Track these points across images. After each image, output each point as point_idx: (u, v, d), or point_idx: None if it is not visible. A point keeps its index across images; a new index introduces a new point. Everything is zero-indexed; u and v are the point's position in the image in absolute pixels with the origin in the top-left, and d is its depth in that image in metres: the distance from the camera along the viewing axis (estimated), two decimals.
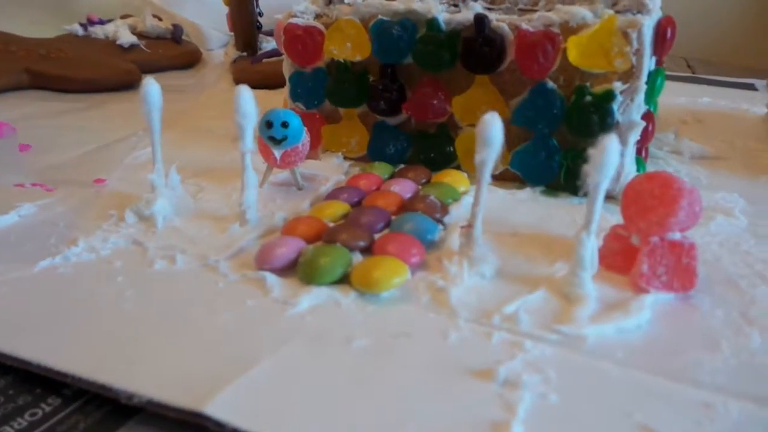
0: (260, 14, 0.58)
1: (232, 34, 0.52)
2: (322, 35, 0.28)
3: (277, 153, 0.24)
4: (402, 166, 0.28)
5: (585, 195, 0.25)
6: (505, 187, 0.27)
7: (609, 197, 0.26)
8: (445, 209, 0.23)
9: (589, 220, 0.17)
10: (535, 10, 0.25)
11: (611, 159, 0.16)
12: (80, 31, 0.52)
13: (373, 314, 0.17)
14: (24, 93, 0.41)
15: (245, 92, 0.20)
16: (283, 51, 0.29)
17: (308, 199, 0.24)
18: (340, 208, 0.22)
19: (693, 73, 0.71)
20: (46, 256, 0.19)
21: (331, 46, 0.27)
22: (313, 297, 0.18)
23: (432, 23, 0.26)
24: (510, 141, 0.26)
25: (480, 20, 0.25)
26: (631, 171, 0.26)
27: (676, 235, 0.19)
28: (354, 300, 0.18)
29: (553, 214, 0.24)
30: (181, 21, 0.62)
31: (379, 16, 0.27)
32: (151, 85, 0.21)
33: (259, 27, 0.53)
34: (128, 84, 0.44)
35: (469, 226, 0.19)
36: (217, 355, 0.16)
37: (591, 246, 0.18)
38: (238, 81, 0.48)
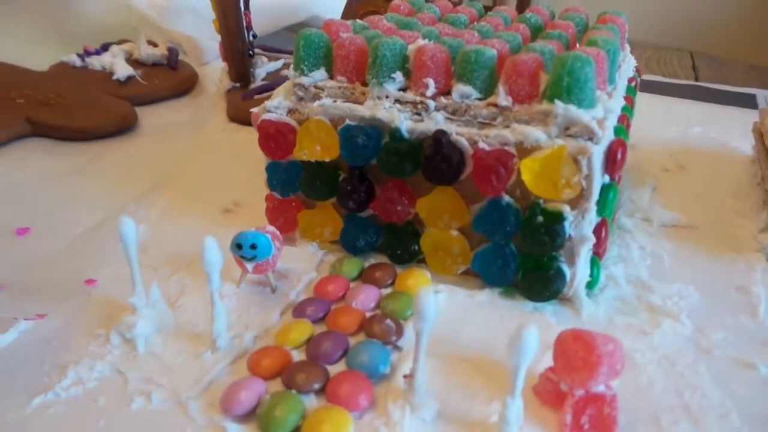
0: (254, 36, 0.58)
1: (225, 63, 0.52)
2: (294, 132, 0.29)
3: (249, 266, 0.26)
4: (371, 262, 0.29)
5: (542, 300, 0.27)
6: (467, 286, 0.28)
7: (563, 299, 0.27)
8: (400, 331, 0.25)
9: (514, 386, 0.19)
10: (494, 125, 0.26)
11: (529, 346, 0.18)
12: (77, 62, 0.53)
13: None
14: (26, 144, 0.43)
15: (210, 243, 0.22)
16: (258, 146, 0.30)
17: (279, 308, 0.26)
18: (303, 332, 0.24)
19: (696, 76, 0.70)
20: (40, 389, 0.22)
21: (301, 151, 0.28)
22: None
23: (395, 132, 0.27)
24: (472, 241, 0.28)
25: (438, 140, 0.26)
26: (583, 277, 0.27)
27: (600, 387, 0.20)
28: None
29: (506, 325, 0.26)
30: (177, 36, 0.63)
31: (347, 121, 0.28)
32: (126, 225, 0.23)
33: (252, 54, 0.54)
34: (125, 128, 0.46)
35: (410, 376, 0.21)
36: None
37: (516, 407, 0.19)
38: (232, 118, 0.49)
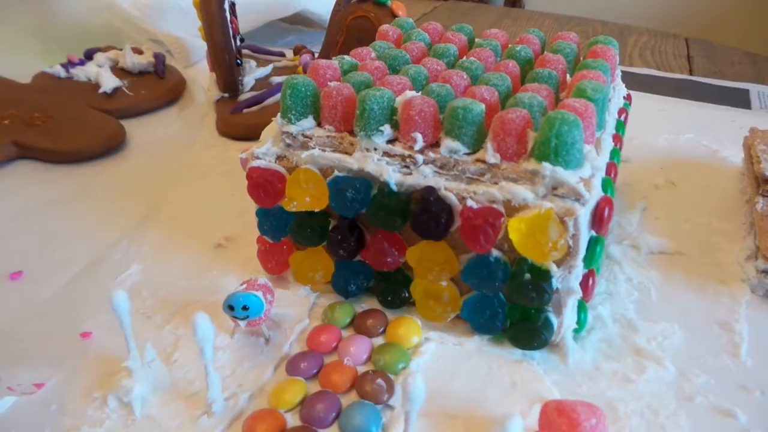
0: (242, 40, 0.57)
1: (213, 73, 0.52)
2: (283, 180, 0.29)
3: (242, 324, 0.26)
4: (363, 307, 0.30)
5: (530, 349, 0.27)
6: (457, 332, 0.29)
7: (551, 345, 0.28)
8: (391, 389, 0.25)
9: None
10: (482, 181, 0.26)
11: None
12: (62, 73, 0.53)
13: None
14: (13, 168, 0.43)
15: (201, 321, 0.22)
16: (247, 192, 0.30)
17: (272, 363, 0.27)
18: (297, 392, 0.25)
19: (690, 68, 0.69)
20: None
21: (290, 202, 0.29)
22: None
23: (384, 186, 0.27)
24: (462, 288, 0.28)
25: (425, 199, 0.26)
26: (570, 324, 0.28)
27: None
28: None
29: (494, 375, 0.27)
30: (163, 36, 0.62)
31: (336, 173, 0.28)
32: (118, 298, 0.23)
33: (240, 63, 0.53)
34: (114, 148, 0.46)
35: None
36: None
37: None
38: (221, 132, 0.49)
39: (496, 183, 0.26)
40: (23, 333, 0.29)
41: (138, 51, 0.55)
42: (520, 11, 0.96)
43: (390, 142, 0.28)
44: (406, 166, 0.27)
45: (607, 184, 0.27)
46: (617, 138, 0.32)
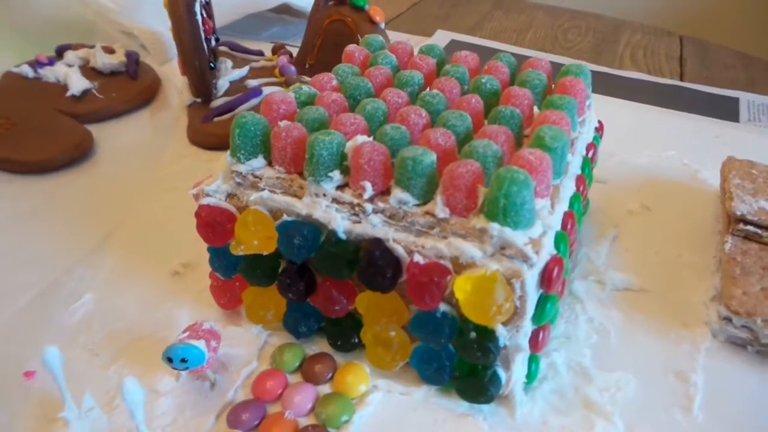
0: (217, 40, 0.55)
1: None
2: (233, 221, 0.28)
3: (182, 374, 0.26)
4: (313, 349, 0.30)
5: (477, 403, 0.27)
6: (405, 381, 0.28)
7: (500, 398, 0.28)
8: None
9: None
10: (431, 234, 0.25)
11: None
12: (30, 73, 0.51)
13: None
14: None
15: (130, 385, 0.22)
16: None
17: (215, 410, 0.27)
18: None
19: (681, 72, 0.67)
20: None
21: (238, 246, 0.28)
22: None
23: (332, 234, 0.26)
24: (412, 335, 0.28)
25: (371, 252, 0.25)
26: (519, 377, 0.27)
27: None
28: None
29: (439, 429, 0.26)
30: (138, 30, 0.60)
31: (284, 217, 0.27)
32: (50, 354, 0.23)
33: (213, 67, 0.51)
34: (82, 155, 0.45)
35: None
36: None
37: None
38: (192, 141, 0.48)
39: (444, 237, 0.25)
40: None
41: (109, 50, 0.53)
42: (514, 2, 0.93)
43: (340, 187, 0.27)
44: (356, 214, 0.26)
45: (560, 239, 0.26)
46: (581, 180, 0.31)
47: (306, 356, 0.29)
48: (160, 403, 0.27)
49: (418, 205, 0.26)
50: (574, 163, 0.30)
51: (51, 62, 0.52)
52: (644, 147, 0.50)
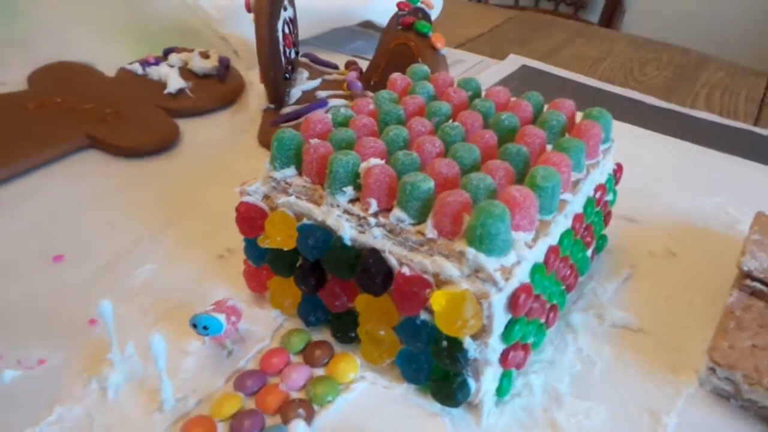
0: (297, 52, 0.62)
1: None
2: (264, 217, 0.33)
3: (206, 339, 0.32)
4: (318, 337, 0.34)
5: (447, 406, 0.30)
6: (390, 377, 0.32)
7: (471, 404, 0.31)
8: (310, 418, 0.29)
9: None
10: (421, 251, 0.29)
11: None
12: (139, 71, 0.60)
13: None
14: (82, 156, 0.51)
15: (155, 340, 0.27)
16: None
17: (226, 374, 0.32)
18: (233, 406, 0.29)
19: (757, 118, 0.65)
20: (31, 422, 0.29)
21: (265, 239, 0.33)
22: None
23: (339, 239, 0.31)
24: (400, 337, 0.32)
25: (366, 260, 0.29)
26: (489, 388, 0.30)
27: None
28: None
29: (407, 423, 0.30)
30: (233, 39, 0.68)
31: (304, 220, 0.32)
32: (104, 307, 0.29)
33: (288, 78, 0.57)
34: (168, 146, 0.52)
35: None
36: None
37: None
38: (260, 143, 0.54)
39: (431, 255, 0.29)
40: (46, 312, 0.35)
41: (205, 55, 0.61)
42: (595, 30, 0.93)
43: (352, 201, 0.31)
44: (361, 225, 0.31)
45: (537, 270, 0.29)
46: (578, 218, 0.33)
47: (310, 342, 0.34)
48: (186, 361, 0.32)
49: (413, 224, 0.29)
50: (576, 202, 0.33)
51: (157, 62, 0.60)
52: (689, 190, 0.50)
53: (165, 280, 0.38)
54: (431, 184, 0.29)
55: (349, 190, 0.31)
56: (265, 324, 0.35)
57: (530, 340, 0.32)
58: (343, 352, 0.33)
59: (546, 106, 0.38)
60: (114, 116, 0.53)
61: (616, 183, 0.38)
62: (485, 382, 0.30)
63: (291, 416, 0.29)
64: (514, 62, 0.75)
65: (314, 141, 0.32)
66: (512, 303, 0.27)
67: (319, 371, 0.32)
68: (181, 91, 0.58)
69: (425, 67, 0.42)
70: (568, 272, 0.34)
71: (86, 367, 0.32)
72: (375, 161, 0.31)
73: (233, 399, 0.30)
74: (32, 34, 0.65)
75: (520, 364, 0.31)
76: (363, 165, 0.30)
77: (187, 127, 0.55)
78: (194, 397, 0.30)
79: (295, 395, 0.31)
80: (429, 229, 0.28)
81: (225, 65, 0.61)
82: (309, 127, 0.34)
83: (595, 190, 0.35)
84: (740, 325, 0.33)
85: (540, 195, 0.29)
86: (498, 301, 0.27)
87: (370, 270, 0.29)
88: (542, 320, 0.32)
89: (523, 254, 0.28)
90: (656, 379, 0.33)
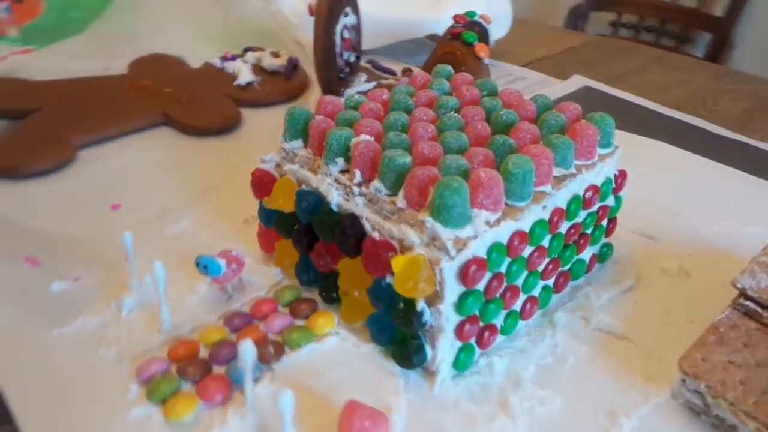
0: (357, 57, 0.66)
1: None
2: (273, 182, 0.38)
3: (208, 279, 0.36)
4: (306, 295, 0.38)
5: (404, 368, 0.32)
6: (360, 337, 0.35)
7: (430, 371, 0.33)
8: (277, 357, 0.33)
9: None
10: (392, 219, 0.32)
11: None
12: (218, 64, 0.68)
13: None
14: (157, 131, 0.59)
15: (158, 267, 0.32)
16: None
17: (221, 312, 0.36)
18: (217, 336, 0.34)
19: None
20: (62, 323, 0.35)
21: (269, 201, 0.37)
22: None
23: (327, 205, 0.34)
24: None
25: (342, 222, 0.32)
26: (445, 357, 0.32)
27: None
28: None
29: (365, 377, 0.32)
30: (306, 42, 0.74)
31: (303, 186, 0.36)
32: (126, 238, 0.34)
33: (342, 78, 0.62)
34: (232, 127, 0.59)
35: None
36: None
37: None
38: None
39: (399, 223, 0.31)
40: (93, 245, 0.42)
41: (276, 54, 0.68)
42: (675, 57, 0.89)
43: (343, 172, 0.34)
44: (347, 194, 0.34)
45: (496, 249, 0.30)
46: (557, 213, 0.34)
47: (299, 297, 0.37)
48: (191, 298, 0.37)
49: (388, 195, 0.32)
50: (558, 196, 0.34)
51: (234, 58, 0.68)
52: (725, 218, 0.48)
53: (193, 234, 0.44)
54: (407, 159, 0.32)
55: (341, 162, 0.34)
56: (265, 278, 0.39)
57: (493, 321, 0.33)
58: (324, 310, 0.36)
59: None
60: (188, 100, 0.61)
61: (617, 189, 0.39)
62: (441, 351, 0.31)
63: (260, 350, 0.33)
64: (576, 82, 0.75)
65: (319, 117, 0.36)
66: (463, 273, 0.29)
67: (300, 322, 0.36)
68: (249, 84, 0.65)
69: (449, 68, 0.45)
70: (549, 267, 0.35)
71: (111, 290, 0.38)
72: (364, 137, 0.34)
73: (219, 331, 0.34)
74: (137, 29, 0.75)
75: (483, 344, 0.33)
76: (354, 140, 0.34)
77: (250, 115, 0.62)
78: (189, 325, 0.35)
79: (272, 337, 0.34)
80: (400, 200, 0.31)
81: (293, 65, 0.68)
82: (321, 107, 0.38)
83: (586, 190, 0.36)
84: (721, 341, 0.32)
85: (509, 180, 0.31)
86: (449, 268, 0.29)
87: (346, 232, 0.32)
88: (511, 306, 0.34)
89: (480, 230, 0.30)
90: (626, 384, 0.33)
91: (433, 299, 0.30)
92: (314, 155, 0.36)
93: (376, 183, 0.32)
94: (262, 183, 0.38)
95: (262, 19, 0.75)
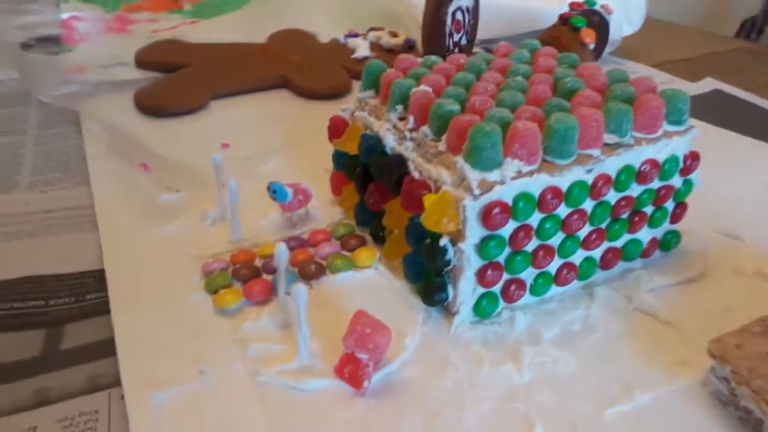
0: (468, 42, 0.68)
1: None
2: (346, 127, 0.42)
3: (277, 205, 0.41)
4: (359, 232, 0.41)
5: (427, 304, 0.34)
6: (395, 273, 0.37)
7: (452, 312, 0.34)
8: (316, 275, 0.36)
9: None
10: (433, 162, 0.34)
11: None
12: (342, 40, 0.74)
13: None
14: (276, 93, 0.66)
15: (232, 184, 0.38)
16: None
17: (283, 234, 0.41)
18: (272, 249, 0.38)
19: None
20: (160, 225, 0.42)
21: (337, 143, 0.41)
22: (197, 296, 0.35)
23: (382, 147, 0.37)
24: None
25: (389, 161, 0.35)
26: (465, 299, 0.33)
27: (362, 355, 0.29)
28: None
29: (389, 308, 0.35)
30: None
31: (366, 131, 0.39)
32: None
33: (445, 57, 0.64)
34: (341, 93, 0.64)
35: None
36: None
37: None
38: None
39: (438, 165, 0.33)
40: (200, 170, 0.49)
41: (394, 34, 0.72)
42: None
43: (402, 119, 0.37)
44: (401, 138, 0.36)
45: (524, 198, 0.31)
46: (605, 178, 0.33)
47: (351, 233, 0.41)
48: (264, 222, 0.42)
49: (434, 140, 0.34)
50: (607, 163, 0.33)
51: (356, 35, 0.74)
52: None
53: (280, 172, 0.49)
54: (455, 108, 0.34)
55: (400, 109, 0.37)
56: (329, 216, 0.43)
57: (521, 276, 0.34)
58: (370, 247, 0.39)
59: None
60: (308, 68, 0.67)
61: (686, 171, 0.36)
62: (462, 292, 0.33)
63: (304, 268, 0.37)
64: (707, 85, 0.70)
65: (390, 70, 0.39)
66: (485, 215, 0.31)
67: (346, 254, 0.39)
68: (365, 58, 0.69)
69: (536, 42, 0.45)
70: (592, 236, 0.35)
71: (202, 205, 0.44)
72: (423, 87, 0.36)
73: (272, 247, 0.39)
74: (285, 8, 0.84)
75: (507, 296, 0.34)
76: (413, 89, 0.36)
77: (358, 85, 0.66)
78: (254, 240, 0.40)
79: (318, 261, 0.38)
80: (442, 143, 0.33)
81: (409, 45, 0.72)
82: (398, 64, 0.41)
83: (643, 163, 0.34)
84: (766, 333, 0.30)
85: (550, 135, 0.31)
86: (471, 207, 0.30)
87: (391, 171, 0.35)
88: (544, 266, 0.34)
89: (509, 177, 0.31)
90: (654, 363, 0.32)
91: (457, 238, 0.32)
92: (382, 104, 0.39)
93: (425, 128, 0.35)
94: (337, 128, 0.42)
95: (387, 2, 0.80)
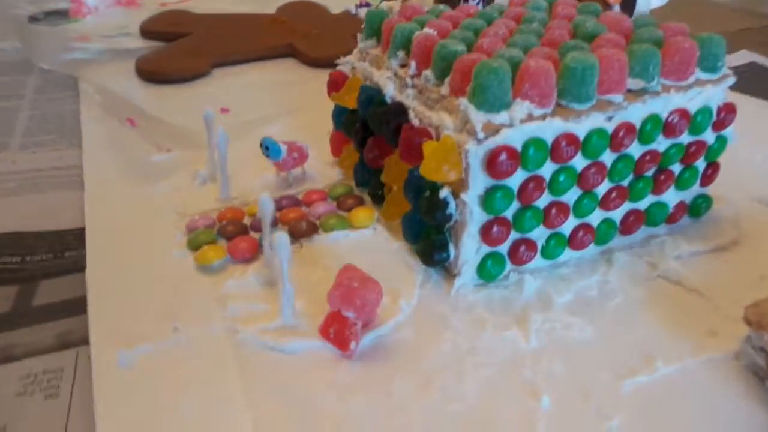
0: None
1: None
2: (345, 80, 0.39)
3: (271, 162, 0.38)
4: (357, 191, 0.38)
5: (426, 264, 0.31)
6: (393, 234, 0.34)
7: (453, 273, 0.31)
8: (309, 233, 0.33)
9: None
10: (435, 108, 0.31)
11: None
12: (353, 11, 0.71)
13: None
14: (283, 61, 0.63)
15: (221, 134, 0.35)
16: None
17: (276, 192, 0.38)
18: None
19: None
20: (164, 177, 0.40)
21: (336, 96, 0.38)
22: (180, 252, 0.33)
23: (382, 96, 0.34)
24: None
25: (388, 109, 0.32)
26: (468, 260, 0.30)
27: (349, 314, 0.26)
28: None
29: (387, 266, 0.32)
30: None
31: (366, 82, 0.36)
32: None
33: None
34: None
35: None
36: None
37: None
38: None
39: (440, 110, 0.30)
40: (195, 132, 0.46)
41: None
42: None
43: (403, 66, 0.34)
44: (402, 86, 0.33)
45: (534, 145, 0.27)
46: (627, 127, 0.30)
47: (349, 193, 0.38)
48: (257, 180, 0.40)
49: (436, 84, 0.31)
50: (630, 110, 0.30)
51: (368, 5, 0.71)
52: None
53: (279, 136, 0.46)
54: (460, 48, 0.30)
55: (401, 55, 0.34)
56: (326, 176, 0.40)
57: (531, 236, 0.30)
58: (368, 207, 0.36)
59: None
60: (316, 36, 0.65)
61: (720, 126, 0.33)
62: (464, 251, 0.30)
63: (294, 225, 0.34)
64: (742, 57, 0.65)
65: (393, 17, 0.36)
66: (490, 160, 0.27)
67: (342, 213, 0.36)
68: None
69: None
70: (612, 195, 0.31)
71: (193, 164, 0.42)
72: (427, 30, 0.33)
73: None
74: None
75: (516, 258, 0.30)
76: (417, 33, 0.33)
77: None
78: (244, 199, 0.37)
79: (311, 220, 0.35)
80: (444, 87, 0.30)
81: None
82: (402, 11, 0.38)
83: (671, 113, 0.31)
84: None
85: (565, 76, 0.28)
86: (474, 151, 0.27)
87: (389, 119, 0.32)
88: (557, 226, 0.31)
89: (518, 119, 0.27)
90: (680, 333, 0.28)
91: (459, 189, 0.28)
92: (383, 53, 0.36)
93: (427, 72, 0.31)
94: (336, 82, 0.39)
95: None
